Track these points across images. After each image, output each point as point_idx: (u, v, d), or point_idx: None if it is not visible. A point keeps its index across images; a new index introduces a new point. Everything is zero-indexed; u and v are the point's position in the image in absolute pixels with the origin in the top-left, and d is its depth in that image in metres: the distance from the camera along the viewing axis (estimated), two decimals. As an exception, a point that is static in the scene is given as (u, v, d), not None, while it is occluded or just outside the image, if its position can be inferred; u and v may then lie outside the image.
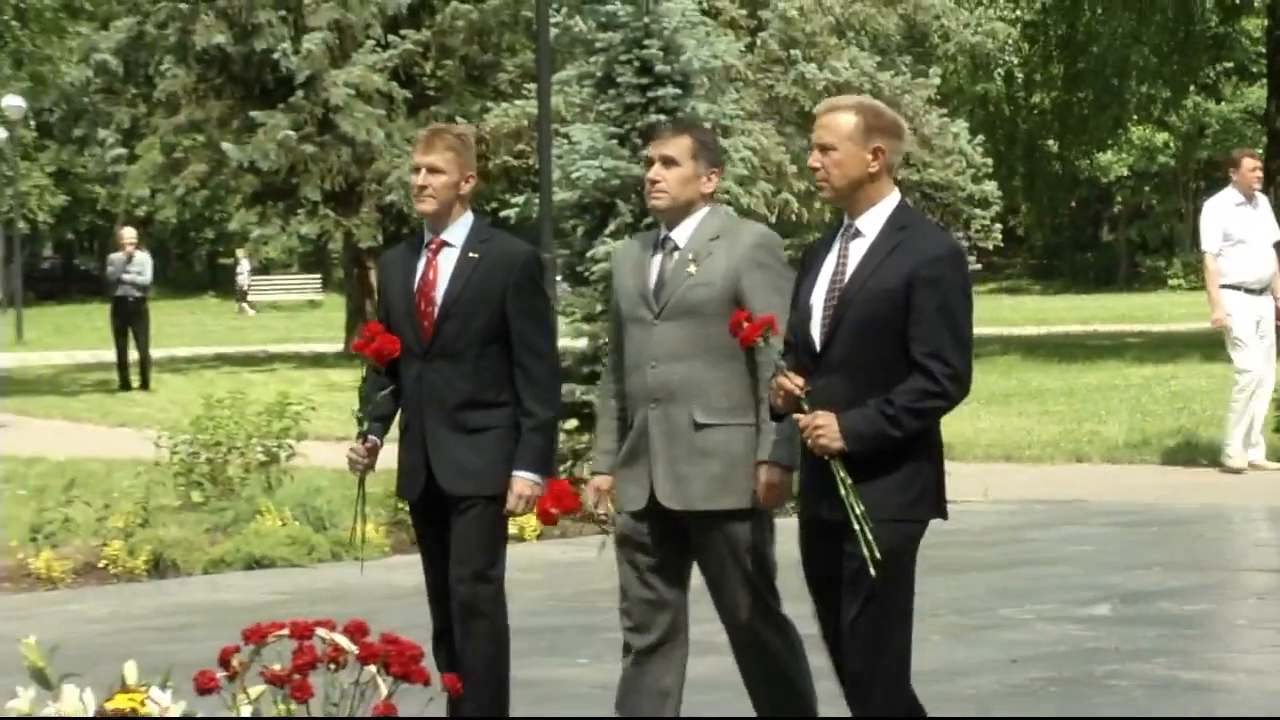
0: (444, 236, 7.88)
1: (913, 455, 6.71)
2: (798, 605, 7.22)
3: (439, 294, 7.81)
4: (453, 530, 7.77)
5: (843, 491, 6.57)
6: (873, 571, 6.56)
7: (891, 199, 6.87)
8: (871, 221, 6.82)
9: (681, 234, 7.50)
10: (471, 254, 7.82)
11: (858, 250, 6.79)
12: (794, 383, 6.63)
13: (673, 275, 7.43)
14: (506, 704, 7.80)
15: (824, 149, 6.84)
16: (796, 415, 6.66)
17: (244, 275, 73.35)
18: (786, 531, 7.19)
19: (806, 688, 7.47)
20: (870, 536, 6.53)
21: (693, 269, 7.40)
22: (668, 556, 7.44)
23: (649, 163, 7.61)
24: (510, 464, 7.71)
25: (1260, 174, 18.42)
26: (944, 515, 6.89)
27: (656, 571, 7.44)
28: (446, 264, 7.84)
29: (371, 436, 7.93)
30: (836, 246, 6.85)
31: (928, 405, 6.62)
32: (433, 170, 7.83)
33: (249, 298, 72.47)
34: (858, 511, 6.54)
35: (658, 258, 7.51)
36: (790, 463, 7.21)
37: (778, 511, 7.44)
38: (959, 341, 6.68)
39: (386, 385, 7.93)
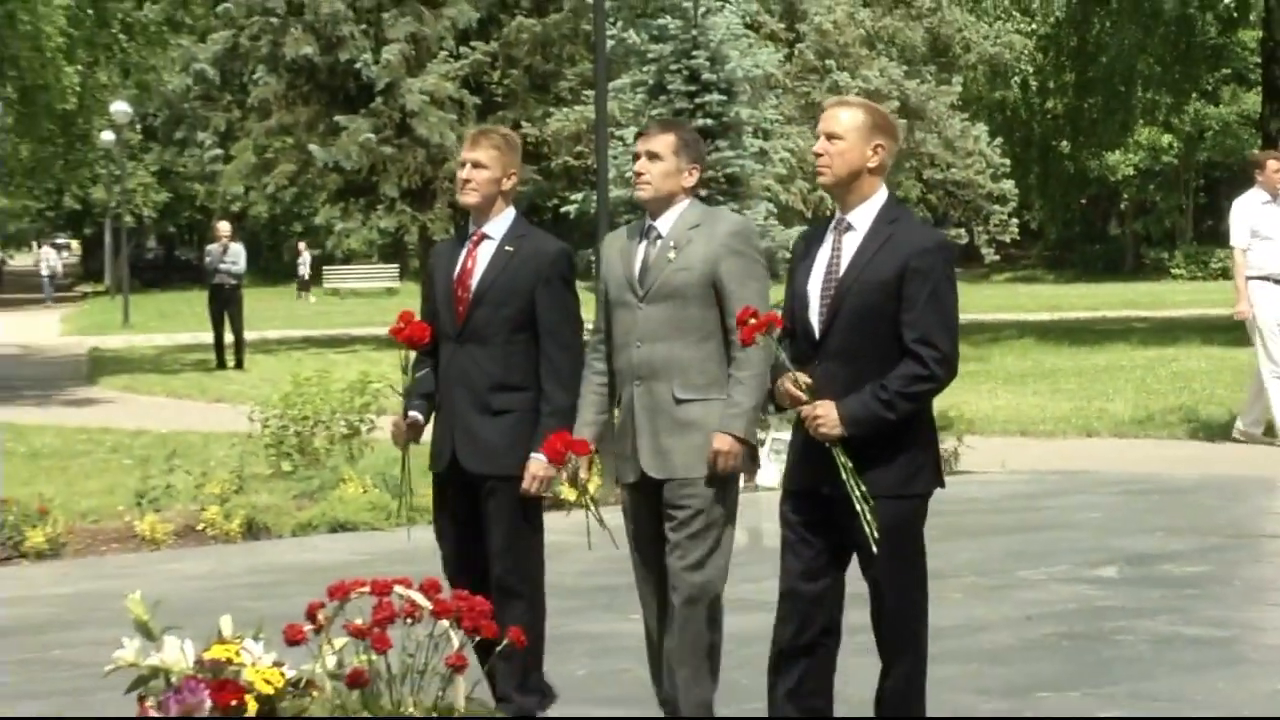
0: (485, 230, 7.86)
1: (909, 434, 6.71)
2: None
3: (474, 282, 7.78)
4: (486, 513, 7.74)
5: (844, 475, 6.56)
6: (874, 549, 6.56)
7: (881, 194, 6.86)
8: (863, 216, 6.81)
9: (664, 223, 7.48)
10: (508, 247, 7.79)
11: (851, 243, 6.77)
12: (799, 387, 6.63)
13: (656, 261, 7.41)
14: (541, 670, 7.74)
15: (830, 137, 6.82)
16: (797, 404, 6.66)
17: (305, 266, 73.30)
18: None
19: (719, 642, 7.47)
20: (871, 517, 6.54)
21: (673, 255, 7.39)
22: (656, 520, 7.42)
23: (636, 157, 7.59)
24: (529, 446, 7.68)
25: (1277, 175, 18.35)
26: (942, 484, 6.88)
27: (654, 541, 7.43)
28: (484, 255, 7.81)
29: (413, 412, 7.91)
30: (830, 239, 6.83)
31: (919, 389, 6.62)
32: (476, 165, 7.81)
33: (310, 287, 72.40)
34: (859, 493, 6.55)
35: (643, 245, 7.49)
36: (745, 435, 7.26)
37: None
38: (947, 328, 6.66)
39: (427, 365, 7.92)
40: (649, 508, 7.43)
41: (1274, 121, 40.99)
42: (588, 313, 7.67)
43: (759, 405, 7.23)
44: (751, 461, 7.41)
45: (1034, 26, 42.16)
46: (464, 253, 7.86)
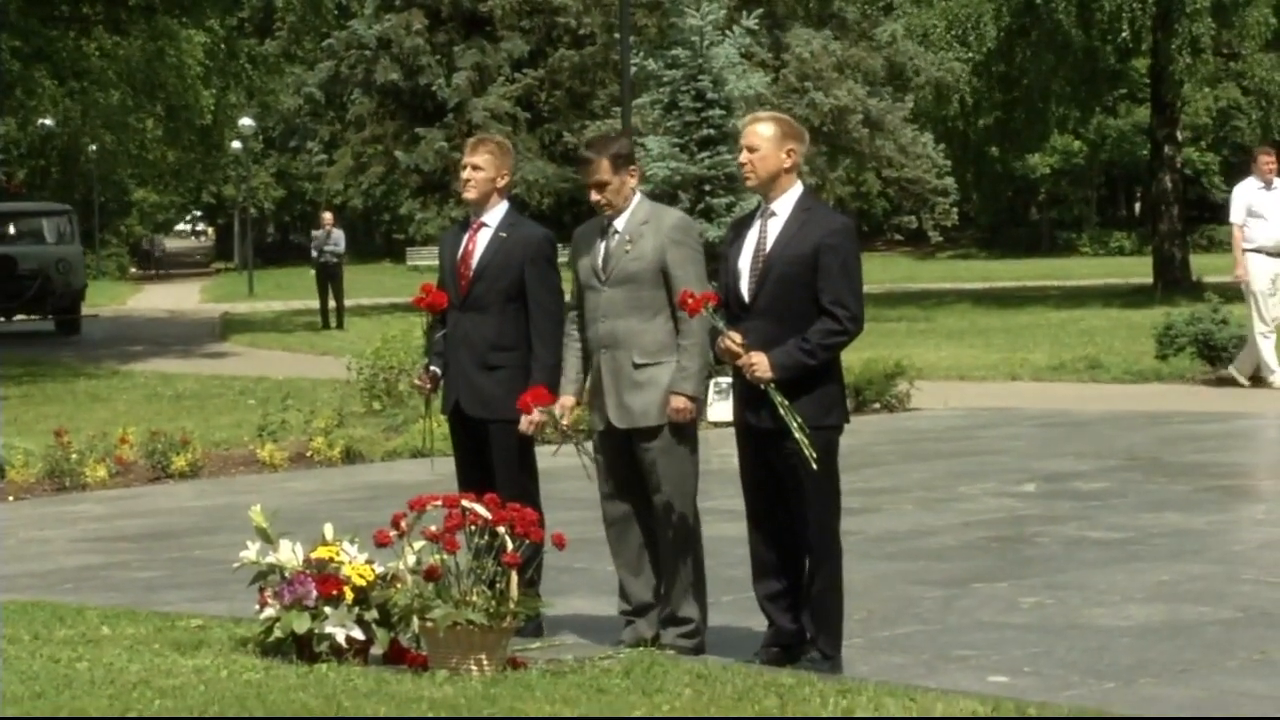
0: (483, 219, 7.79)
1: (825, 378, 6.74)
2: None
3: (474, 261, 7.73)
4: (492, 454, 7.67)
5: (781, 411, 6.59)
6: (814, 466, 6.57)
7: (798, 188, 6.86)
8: (784, 205, 6.82)
9: (620, 221, 7.35)
10: (502, 234, 7.74)
11: (774, 227, 6.80)
12: (735, 343, 6.63)
13: (615, 252, 7.31)
14: (539, 575, 7.60)
15: (750, 149, 6.82)
16: (735, 358, 6.66)
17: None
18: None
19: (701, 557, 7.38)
20: (808, 439, 6.56)
21: (629, 248, 7.29)
22: (626, 478, 7.36)
23: (588, 189, 7.41)
24: (511, 394, 7.54)
25: (1273, 165, 18.31)
26: (848, 420, 6.91)
27: (615, 473, 7.39)
28: (482, 240, 7.75)
29: (433, 367, 7.87)
30: (757, 224, 6.85)
31: (835, 340, 6.68)
32: (476, 168, 7.74)
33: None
34: (796, 423, 6.57)
35: (603, 240, 7.38)
36: (694, 393, 7.18)
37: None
38: (855, 292, 6.72)
39: (442, 329, 7.88)
40: (614, 449, 7.37)
41: (1161, 130, 40.79)
42: (570, 285, 7.64)
43: (703, 366, 7.20)
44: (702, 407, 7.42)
45: (971, 55, 41.90)
46: (466, 237, 7.80)
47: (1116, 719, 5.72)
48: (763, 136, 6.80)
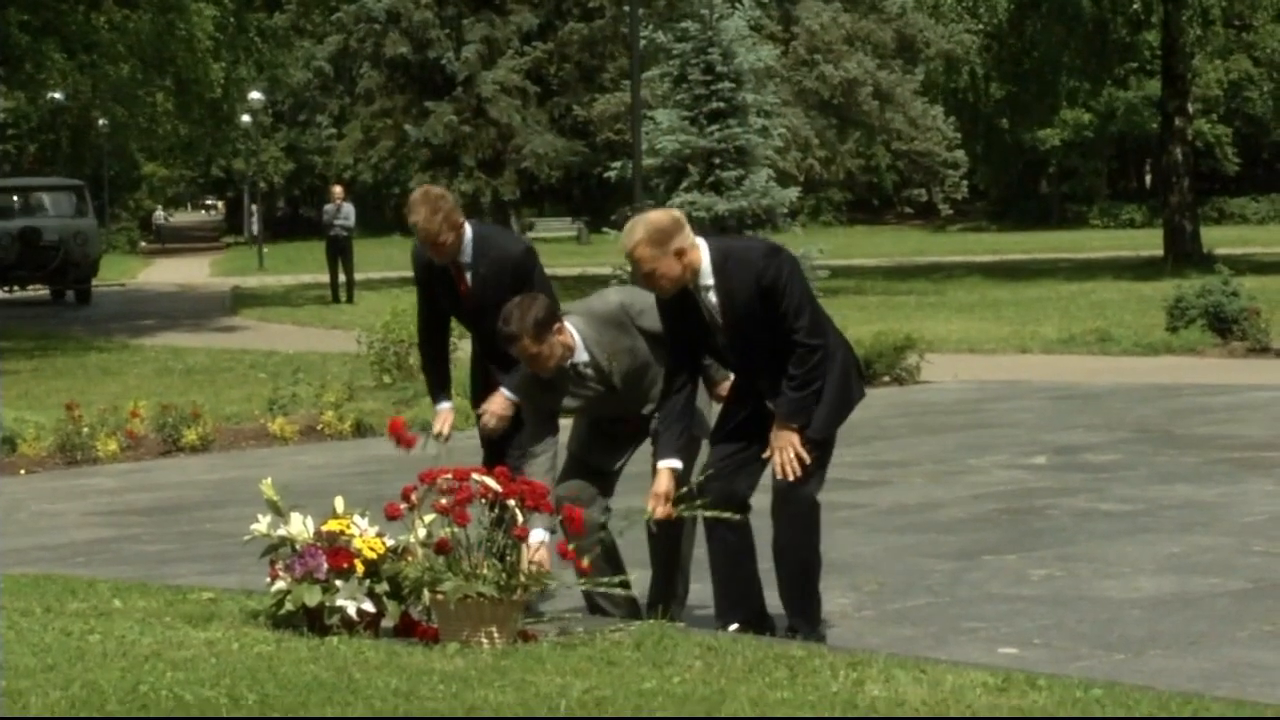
0: (458, 260, 7.79)
1: (831, 392, 6.71)
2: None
3: (473, 297, 7.82)
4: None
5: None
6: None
7: (704, 256, 6.72)
8: (705, 277, 6.72)
9: (581, 356, 7.19)
10: (481, 270, 7.77)
11: (713, 298, 6.73)
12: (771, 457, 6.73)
13: (612, 372, 7.24)
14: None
15: (649, 277, 6.69)
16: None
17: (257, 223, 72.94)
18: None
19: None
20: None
21: (614, 363, 7.23)
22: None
23: (526, 362, 7.17)
24: None
25: None
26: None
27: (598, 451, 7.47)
28: (469, 276, 7.82)
29: (447, 405, 8.20)
30: (700, 302, 6.74)
31: (812, 363, 6.63)
32: (440, 245, 7.67)
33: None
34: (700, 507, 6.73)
35: (579, 377, 7.24)
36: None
37: None
38: (801, 310, 6.65)
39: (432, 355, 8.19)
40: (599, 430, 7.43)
41: (1171, 103, 40.72)
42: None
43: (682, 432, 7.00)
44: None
45: (981, 27, 41.83)
46: (455, 278, 7.84)
47: (1127, 689, 5.72)
48: (648, 260, 6.65)
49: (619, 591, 7.07)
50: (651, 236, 6.67)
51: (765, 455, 6.68)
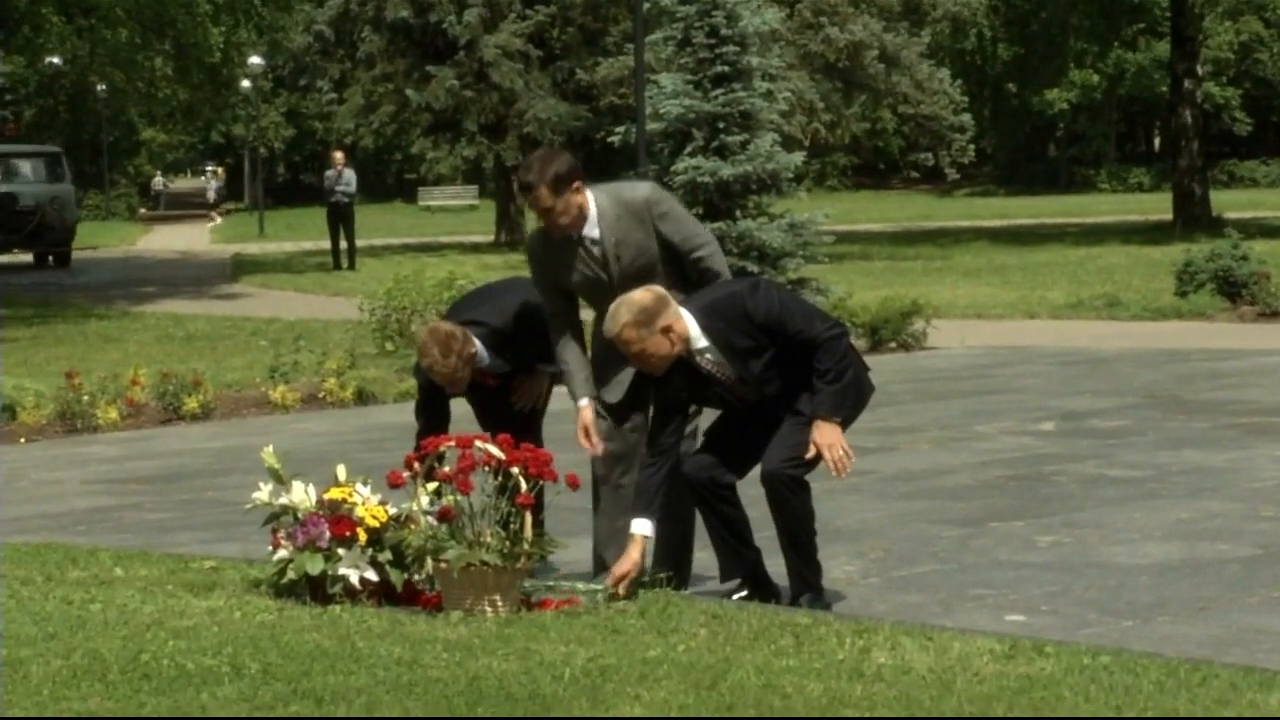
0: (479, 367, 7.56)
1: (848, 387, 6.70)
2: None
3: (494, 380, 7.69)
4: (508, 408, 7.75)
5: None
6: None
7: (691, 325, 6.66)
8: (699, 340, 6.67)
9: (593, 231, 7.01)
10: (497, 361, 7.58)
11: (714, 356, 6.69)
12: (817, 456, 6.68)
13: (609, 258, 7.01)
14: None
15: (638, 357, 6.65)
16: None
17: (211, 192, 72.69)
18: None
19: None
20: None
21: (621, 251, 7.00)
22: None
23: (540, 214, 7.00)
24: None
25: None
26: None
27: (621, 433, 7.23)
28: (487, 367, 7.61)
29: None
30: (701, 366, 6.69)
31: (841, 351, 6.62)
32: (455, 376, 7.46)
33: (220, 209, 71.77)
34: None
35: (585, 253, 7.04)
36: None
37: None
38: (809, 318, 6.66)
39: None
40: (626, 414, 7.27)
41: (1181, 65, 40.63)
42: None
43: None
44: None
45: (988, -11, 41.82)
46: (476, 385, 7.62)
47: (1135, 655, 5.73)
48: (635, 345, 6.60)
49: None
50: (636, 318, 6.59)
51: (809, 456, 6.60)
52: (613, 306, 6.69)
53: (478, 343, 7.53)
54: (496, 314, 7.65)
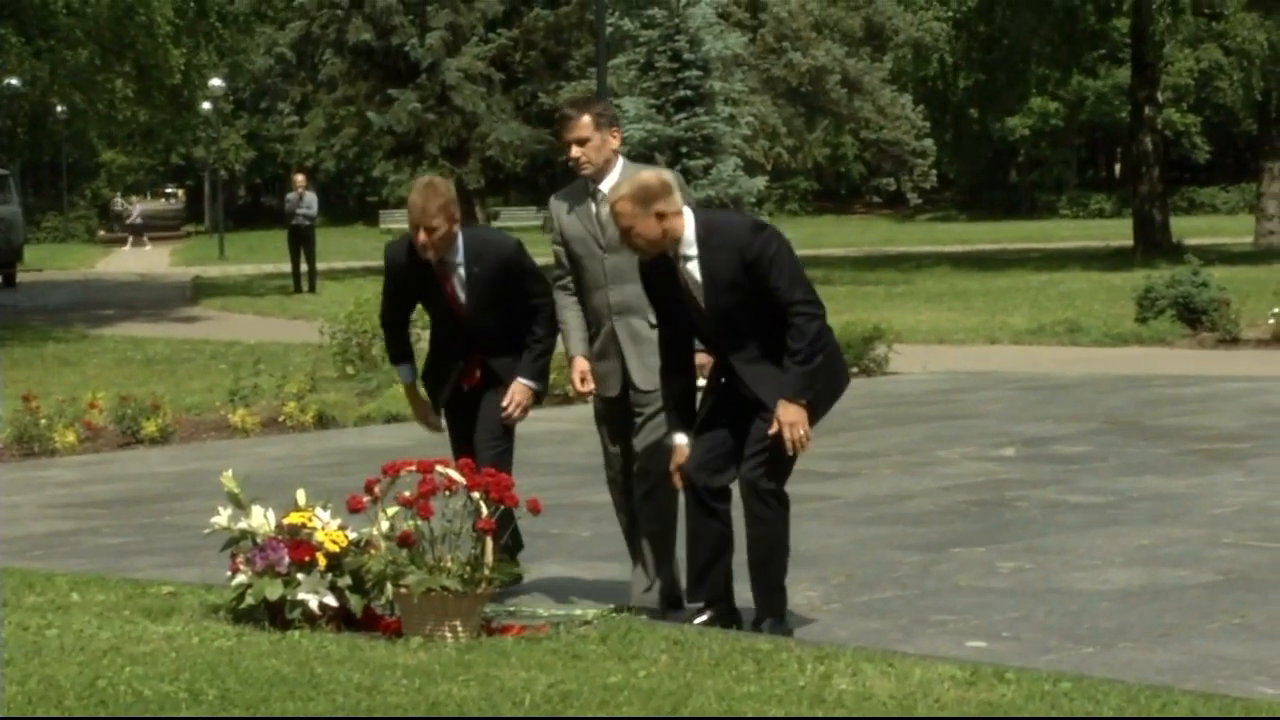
0: (447, 260, 7.60)
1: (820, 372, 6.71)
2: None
3: (464, 304, 7.63)
4: (483, 407, 7.63)
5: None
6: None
7: (689, 227, 6.72)
8: (688, 246, 6.72)
9: (607, 185, 7.19)
10: (474, 268, 7.61)
11: (693, 269, 6.72)
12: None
13: (609, 218, 7.07)
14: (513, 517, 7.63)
15: (627, 231, 6.70)
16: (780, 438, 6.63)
17: (137, 217, 72.21)
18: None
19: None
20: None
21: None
22: (631, 423, 7.33)
23: (567, 144, 7.29)
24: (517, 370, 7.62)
25: None
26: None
27: (626, 435, 7.34)
28: (459, 280, 7.62)
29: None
30: (678, 271, 6.74)
31: (813, 333, 6.62)
32: (432, 230, 7.48)
33: (144, 234, 71.09)
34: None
35: (592, 206, 7.28)
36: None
37: None
38: (797, 281, 6.66)
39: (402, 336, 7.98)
40: (624, 412, 7.34)
41: (1141, 91, 40.85)
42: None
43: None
44: None
45: (950, 14, 41.94)
46: (440, 280, 7.63)
47: (1096, 682, 5.74)
48: (627, 215, 6.68)
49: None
50: (635, 194, 6.69)
51: (771, 431, 6.61)
52: (621, 179, 6.95)
53: (461, 241, 7.57)
54: (484, 259, 7.64)
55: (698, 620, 6.82)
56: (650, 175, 6.83)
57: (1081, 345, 19.45)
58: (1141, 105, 40.75)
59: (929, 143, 42.13)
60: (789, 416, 6.59)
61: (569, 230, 7.37)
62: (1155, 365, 17.13)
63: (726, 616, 6.85)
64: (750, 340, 6.70)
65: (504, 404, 7.55)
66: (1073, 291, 28.05)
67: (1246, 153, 76.16)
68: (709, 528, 6.78)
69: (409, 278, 7.74)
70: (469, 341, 7.69)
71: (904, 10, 41.91)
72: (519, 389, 7.57)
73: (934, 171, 44.11)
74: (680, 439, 6.83)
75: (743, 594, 6.89)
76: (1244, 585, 7.57)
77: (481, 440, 7.58)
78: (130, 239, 69.38)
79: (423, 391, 8.01)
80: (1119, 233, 45.94)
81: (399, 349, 8.03)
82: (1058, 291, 28.32)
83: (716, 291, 6.68)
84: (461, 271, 7.62)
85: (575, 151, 7.26)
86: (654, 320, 7.11)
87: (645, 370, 7.22)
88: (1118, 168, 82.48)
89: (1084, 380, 16.13)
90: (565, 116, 7.33)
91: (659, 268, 6.78)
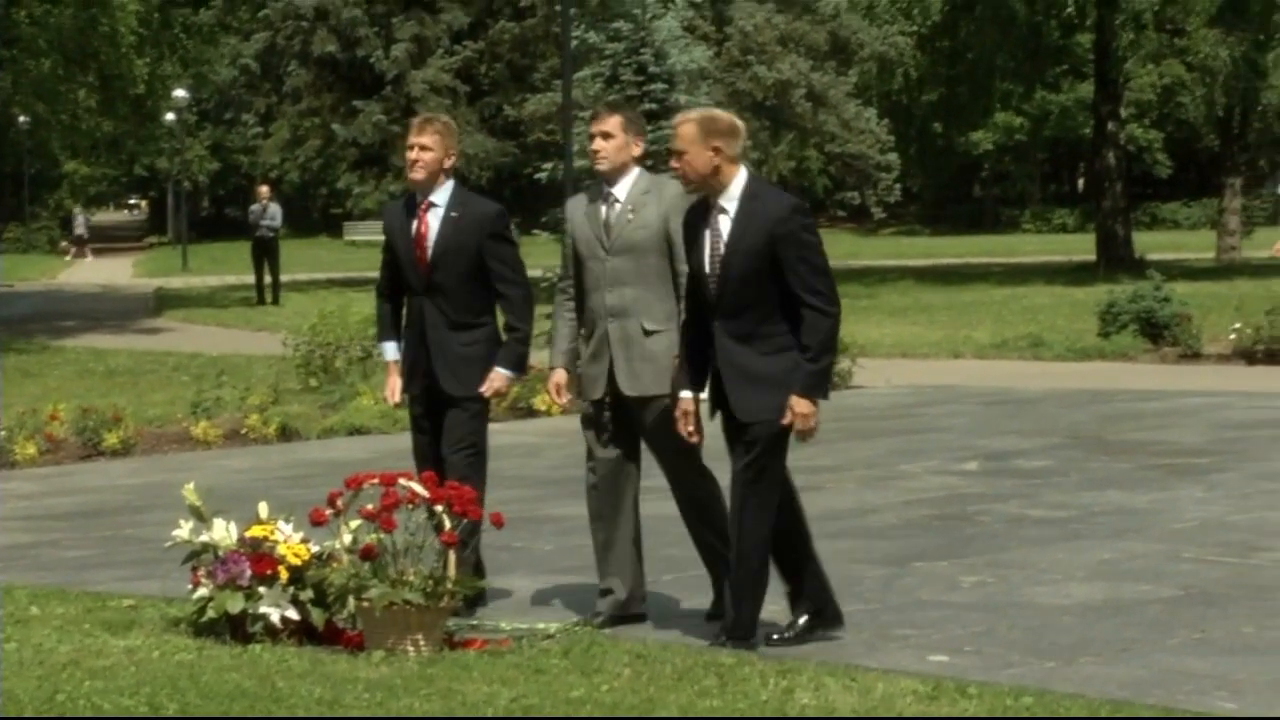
0: (432, 199, 7.73)
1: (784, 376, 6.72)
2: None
3: (430, 245, 7.68)
4: (447, 418, 7.63)
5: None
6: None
7: (741, 179, 6.80)
8: (730, 199, 6.78)
9: (620, 190, 7.34)
10: (453, 213, 7.69)
11: (725, 224, 6.77)
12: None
13: (617, 221, 7.29)
14: (479, 528, 7.63)
15: (678, 154, 6.79)
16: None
17: (82, 228, 71.63)
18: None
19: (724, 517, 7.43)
20: None
21: (631, 216, 7.30)
22: (619, 428, 7.35)
23: (591, 137, 7.45)
24: (489, 367, 7.61)
25: None
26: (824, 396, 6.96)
27: (612, 440, 7.35)
28: (434, 221, 7.70)
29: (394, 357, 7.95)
30: (709, 221, 6.80)
31: (826, 330, 6.68)
32: (424, 148, 7.66)
33: (86, 244, 70.50)
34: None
35: (604, 208, 7.36)
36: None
37: None
38: (820, 273, 6.72)
39: (388, 309, 7.93)
40: (613, 416, 7.34)
41: (1104, 107, 41.03)
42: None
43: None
44: None
45: (915, 29, 42.05)
46: (417, 220, 7.73)
47: (1057, 696, 5.75)
48: (686, 138, 6.77)
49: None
50: (702, 122, 6.81)
51: (785, 421, 6.65)
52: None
53: (451, 185, 7.70)
54: (467, 208, 7.72)
55: (800, 620, 6.89)
56: (724, 114, 6.96)
57: (1044, 360, 19.51)
58: (1104, 120, 40.92)
59: (893, 157, 42.29)
60: (803, 409, 6.66)
61: (578, 229, 7.46)
62: (1117, 380, 17.20)
63: (828, 612, 6.97)
64: (747, 315, 6.70)
65: (482, 388, 7.56)
66: (1036, 306, 28.14)
67: (1208, 168, 76.64)
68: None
69: (397, 234, 7.80)
70: (427, 309, 7.65)
71: (869, 25, 42.04)
72: (498, 378, 7.61)
73: (898, 185, 44.27)
74: (686, 394, 6.90)
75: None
76: (1204, 600, 7.60)
77: (448, 447, 7.58)
78: (73, 250, 68.77)
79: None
80: (1082, 247, 46.11)
81: (386, 325, 7.99)
82: (1021, 306, 28.42)
83: (737, 254, 6.70)
84: (441, 213, 7.70)
85: (596, 144, 7.37)
86: (649, 326, 7.20)
87: (632, 376, 7.25)
88: (1081, 182, 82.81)
89: (1047, 395, 16.18)
90: (598, 112, 7.50)
91: (699, 212, 6.85)
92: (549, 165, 20.43)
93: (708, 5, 38.34)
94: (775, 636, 6.80)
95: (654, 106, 18.11)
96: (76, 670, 6.02)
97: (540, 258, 25.52)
